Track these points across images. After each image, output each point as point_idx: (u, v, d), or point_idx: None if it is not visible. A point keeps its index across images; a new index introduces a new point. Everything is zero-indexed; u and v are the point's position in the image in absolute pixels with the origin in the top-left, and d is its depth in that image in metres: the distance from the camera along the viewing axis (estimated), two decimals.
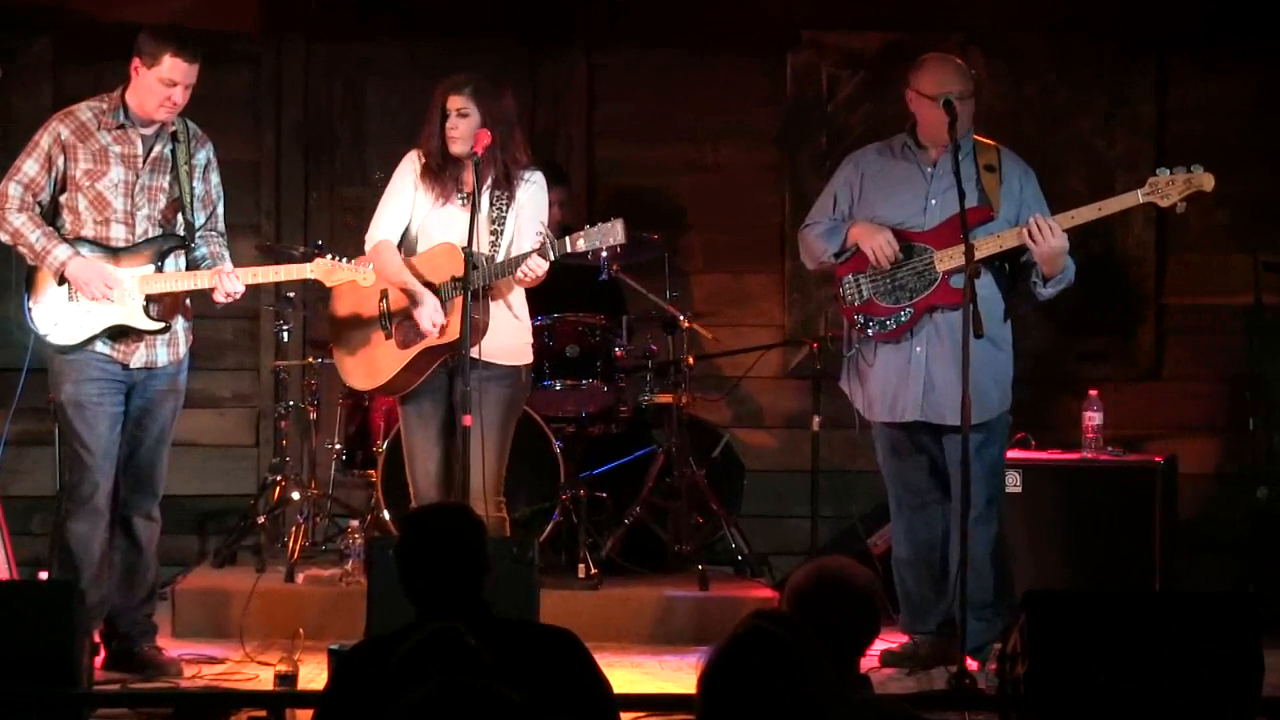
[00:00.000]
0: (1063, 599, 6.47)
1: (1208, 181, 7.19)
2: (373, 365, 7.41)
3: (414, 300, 7.25)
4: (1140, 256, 9.39)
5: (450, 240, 7.25)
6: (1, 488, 8.08)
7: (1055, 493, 8.37)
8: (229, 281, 7.18)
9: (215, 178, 7.43)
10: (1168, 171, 7.22)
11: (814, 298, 9.40)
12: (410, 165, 7.43)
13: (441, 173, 7.32)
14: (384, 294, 7.37)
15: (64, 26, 9.39)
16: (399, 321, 7.34)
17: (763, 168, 9.56)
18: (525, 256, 7.07)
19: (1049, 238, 7.18)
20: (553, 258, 7.08)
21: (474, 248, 7.02)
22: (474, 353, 6.99)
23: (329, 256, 7.25)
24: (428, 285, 7.26)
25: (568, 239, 7.10)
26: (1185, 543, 8.79)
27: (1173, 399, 9.43)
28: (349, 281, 7.31)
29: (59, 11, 9.41)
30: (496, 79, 7.47)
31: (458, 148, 7.28)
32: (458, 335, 7.08)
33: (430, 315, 7.21)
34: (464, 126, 7.25)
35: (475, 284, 7.04)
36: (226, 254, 7.37)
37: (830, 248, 7.58)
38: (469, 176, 7.29)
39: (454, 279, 7.17)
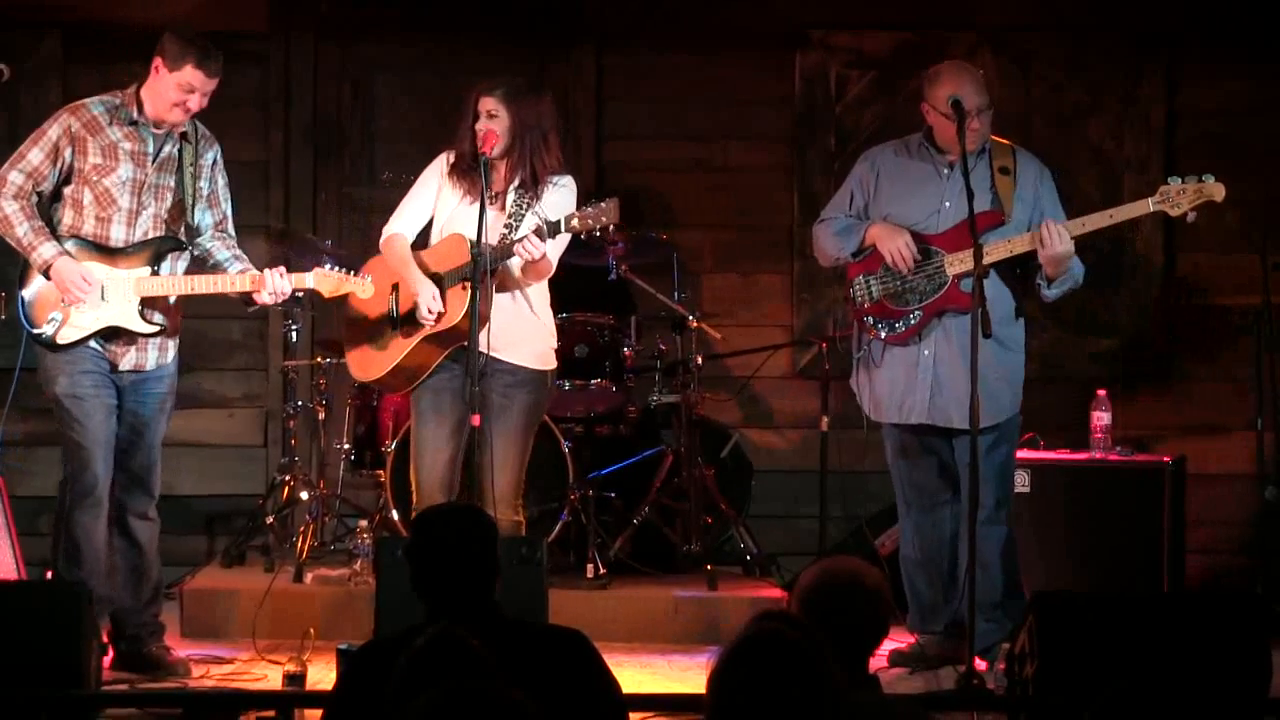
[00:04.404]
0: (1071, 600, 6.47)
1: (1219, 192, 7.17)
2: (377, 356, 7.43)
3: (413, 290, 7.27)
4: (1149, 257, 9.39)
5: (471, 236, 7.27)
6: (9, 488, 8.07)
7: (1063, 493, 8.38)
8: (279, 281, 7.17)
9: (223, 180, 7.42)
10: (1179, 180, 7.20)
11: (823, 297, 9.39)
12: (439, 164, 7.46)
13: (471, 172, 7.32)
14: (395, 288, 7.39)
15: (73, 26, 9.39)
16: (406, 312, 7.36)
17: (771, 168, 9.55)
18: (521, 239, 7.08)
19: (1056, 243, 7.18)
20: (549, 237, 7.09)
21: (498, 242, 7.05)
22: (485, 348, 7.00)
23: (329, 267, 7.25)
24: (433, 276, 7.28)
25: (562, 219, 7.12)
26: (1193, 543, 8.78)
27: (1181, 399, 9.42)
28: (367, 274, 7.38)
29: (68, 10, 9.41)
30: (536, 83, 7.47)
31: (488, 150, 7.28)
32: (457, 320, 7.14)
33: (426, 302, 7.22)
34: (494, 128, 7.25)
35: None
36: (245, 257, 7.37)
37: (848, 247, 7.57)
38: (498, 176, 7.31)
39: (457, 266, 7.20)
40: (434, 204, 7.44)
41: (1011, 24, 9.37)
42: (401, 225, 7.43)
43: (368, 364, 7.49)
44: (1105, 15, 9.37)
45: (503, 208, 7.28)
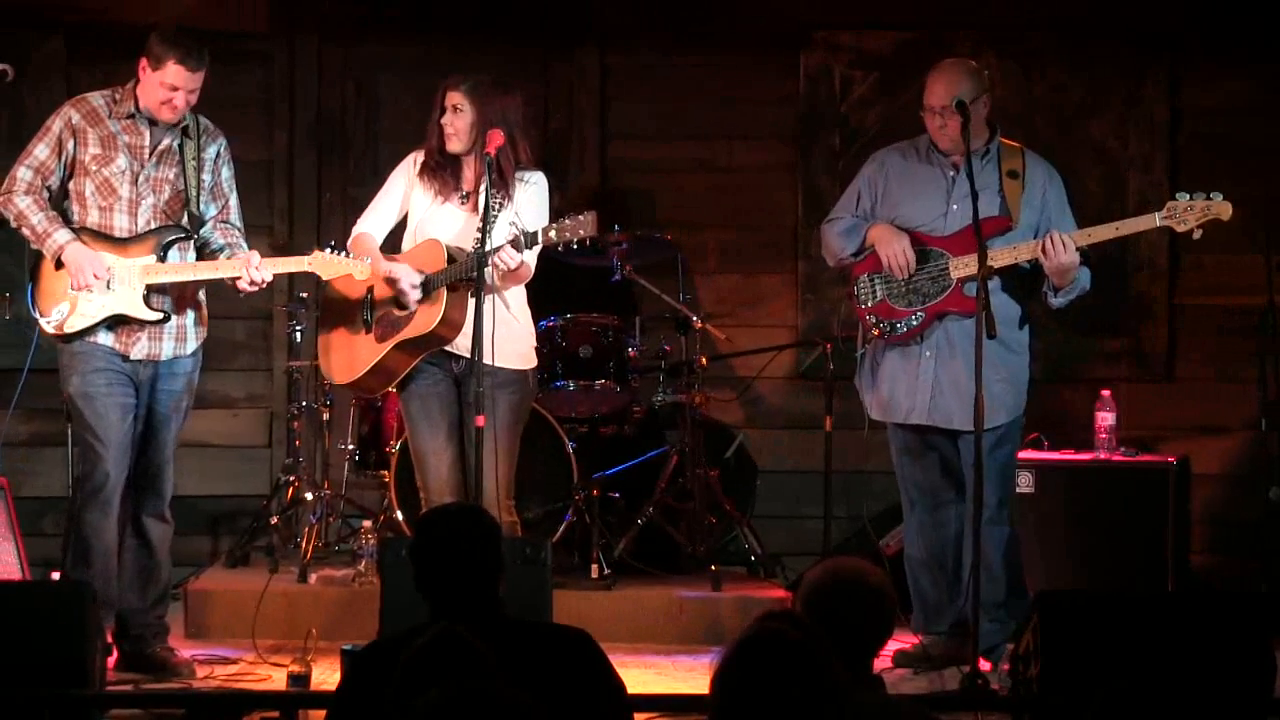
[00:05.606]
0: (1076, 599, 6.48)
1: (1225, 211, 7.15)
2: (350, 358, 7.44)
3: (391, 278, 7.26)
4: (1153, 257, 9.38)
5: (444, 238, 7.26)
6: (14, 489, 8.08)
7: (1068, 493, 8.38)
8: (254, 272, 7.18)
9: (227, 172, 7.45)
10: (1187, 197, 7.19)
11: (827, 298, 9.38)
12: (407, 164, 7.48)
13: (441, 170, 7.34)
14: (370, 290, 7.39)
15: (76, 26, 9.40)
16: (379, 315, 7.37)
17: (776, 168, 9.55)
18: (497, 249, 7.06)
19: (1060, 254, 7.17)
20: (524, 249, 7.07)
21: (471, 247, 7.04)
22: (467, 353, 7.00)
23: (327, 250, 7.25)
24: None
25: (539, 231, 7.10)
26: (1198, 543, 8.78)
27: (1185, 399, 9.41)
28: (341, 278, 7.36)
29: (71, 11, 9.42)
30: (504, 81, 7.46)
31: (453, 144, 7.29)
32: (429, 328, 7.14)
33: (410, 280, 7.19)
34: (459, 123, 7.27)
35: (452, 278, 7.10)
36: (244, 245, 7.37)
37: (850, 247, 7.58)
38: (469, 174, 7.31)
39: (433, 272, 7.19)
40: (403, 204, 7.45)
41: (1015, 24, 9.37)
42: (370, 225, 7.46)
43: (342, 367, 7.51)
44: (1107, 15, 9.36)
45: (474, 208, 7.27)
